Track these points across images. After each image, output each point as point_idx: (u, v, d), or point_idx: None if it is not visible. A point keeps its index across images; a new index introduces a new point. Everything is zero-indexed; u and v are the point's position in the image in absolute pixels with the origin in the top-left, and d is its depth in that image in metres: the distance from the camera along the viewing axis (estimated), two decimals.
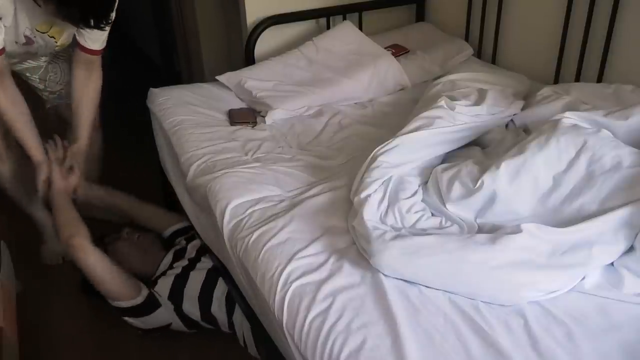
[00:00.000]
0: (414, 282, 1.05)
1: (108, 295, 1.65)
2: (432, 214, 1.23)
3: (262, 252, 1.18)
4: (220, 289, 1.65)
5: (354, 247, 1.16)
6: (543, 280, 1.01)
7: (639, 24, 1.58)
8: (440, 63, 2.05)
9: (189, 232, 1.89)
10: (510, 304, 1.00)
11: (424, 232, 1.14)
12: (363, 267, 1.09)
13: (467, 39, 2.18)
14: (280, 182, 1.42)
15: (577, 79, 1.76)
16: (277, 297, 1.08)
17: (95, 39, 1.75)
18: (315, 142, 1.66)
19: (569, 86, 1.59)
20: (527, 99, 1.62)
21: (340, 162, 1.52)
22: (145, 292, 1.65)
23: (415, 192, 1.26)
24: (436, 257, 1.04)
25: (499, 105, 1.53)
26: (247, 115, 1.81)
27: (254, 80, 1.93)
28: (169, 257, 1.79)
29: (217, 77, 2.02)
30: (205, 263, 1.72)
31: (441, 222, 1.20)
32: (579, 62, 1.74)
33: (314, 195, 1.35)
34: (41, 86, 1.97)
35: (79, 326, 1.84)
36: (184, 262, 1.74)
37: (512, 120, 1.54)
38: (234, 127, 1.74)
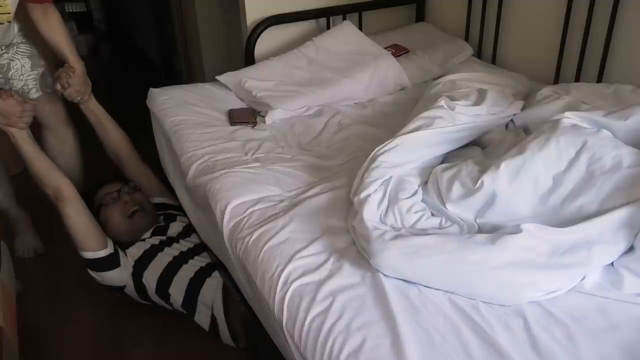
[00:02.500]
0: (414, 282, 1.05)
1: (75, 242, 1.75)
2: (432, 214, 1.23)
3: (262, 252, 1.18)
4: (183, 275, 1.70)
5: (354, 247, 1.16)
6: (543, 280, 1.01)
7: (639, 24, 1.58)
8: (440, 63, 2.05)
9: (168, 210, 1.97)
10: (510, 304, 1.00)
11: (423, 232, 1.14)
12: (363, 267, 1.09)
13: (467, 39, 2.18)
14: (280, 182, 1.42)
15: (577, 79, 1.76)
16: (277, 297, 1.08)
17: None
18: (315, 142, 1.66)
19: (569, 86, 1.59)
20: (527, 99, 1.62)
21: (340, 162, 1.52)
22: (109, 249, 1.73)
23: (415, 192, 1.26)
24: (436, 257, 1.04)
25: (499, 105, 1.53)
26: (247, 115, 1.81)
27: (254, 80, 1.93)
28: (149, 232, 1.87)
29: (217, 77, 2.02)
30: (182, 246, 1.79)
31: (441, 222, 1.20)
32: (579, 62, 1.74)
33: (313, 195, 1.35)
34: (7, 87, 1.98)
35: (79, 326, 1.84)
36: (163, 238, 1.82)
37: (512, 120, 1.54)
38: (234, 127, 1.74)
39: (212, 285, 1.66)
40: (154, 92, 2.00)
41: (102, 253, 1.73)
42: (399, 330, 0.93)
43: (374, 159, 1.32)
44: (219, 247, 1.43)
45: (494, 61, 2.08)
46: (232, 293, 1.49)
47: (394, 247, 1.06)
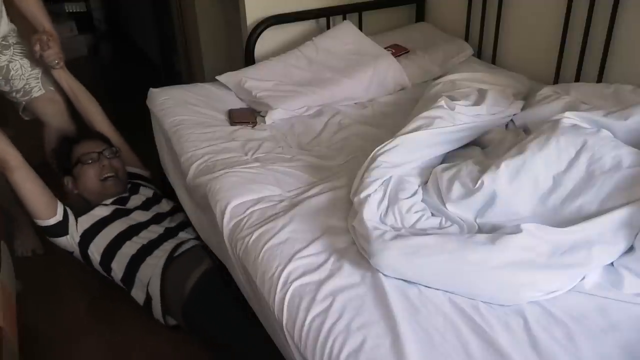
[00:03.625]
0: (414, 282, 1.05)
1: (27, 210, 1.79)
2: (432, 214, 1.23)
3: (262, 252, 1.18)
4: (125, 252, 1.74)
5: (354, 247, 1.16)
6: (543, 280, 1.01)
7: (639, 24, 1.58)
8: (440, 63, 2.05)
9: (137, 180, 2.03)
10: (510, 303, 1.00)
11: (423, 232, 1.14)
12: (363, 267, 1.09)
13: (467, 39, 2.18)
14: (280, 182, 1.42)
15: (577, 79, 1.76)
16: (277, 297, 1.08)
17: None
18: (315, 142, 1.66)
19: (569, 86, 1.59)
20: (527, 99, 1.62)
21: (340, 162, 1.52)
22: (57, 217, 1.77)
23: (415, 192, 1.26)
24: (436, 257, 1.04)
25: (499, 105, 1.53)
26: (247, 115, 1.81)
27: (254, 80, 1.93)
28: (111, 200, 1.90)
29: (217, 77, 2.02)
30: (131, 220, 1.83)
31: (441, 222, 1.20)
32: (579, 62, 1.74)
33: (314, 195, 1.35)
34: (7, 88, 1.99)
35: (78, 326, 1.84)
36: (118, 208, 1.86)
37: (512, 120, 1.54)
38: (234, 127, 1.74)
39: (152, 264, 1.70)
40: (154, 92, 2.00)
41: (51, 221, 1.77)
42: (399, 330, 0.93)
43: (374, 159, 1.32)
44: (219, 247, 1.43)
45: (494, 61, 2.08)
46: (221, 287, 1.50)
47: (394, 247, 1.06)
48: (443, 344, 0.92)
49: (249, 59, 2.14)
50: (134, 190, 1.98)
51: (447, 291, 1.03)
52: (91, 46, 4.62)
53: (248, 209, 1.32)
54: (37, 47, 1.88)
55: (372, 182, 1.25)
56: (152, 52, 4.01)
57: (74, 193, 1.95)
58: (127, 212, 1.86)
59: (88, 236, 1.79)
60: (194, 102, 1.89)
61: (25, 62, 1.96)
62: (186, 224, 1.87)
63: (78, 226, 1.80)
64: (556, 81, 1.83)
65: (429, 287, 1.04)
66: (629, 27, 1.60)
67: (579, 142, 1.19)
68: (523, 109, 1.56)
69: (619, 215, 1.06)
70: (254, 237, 1.23)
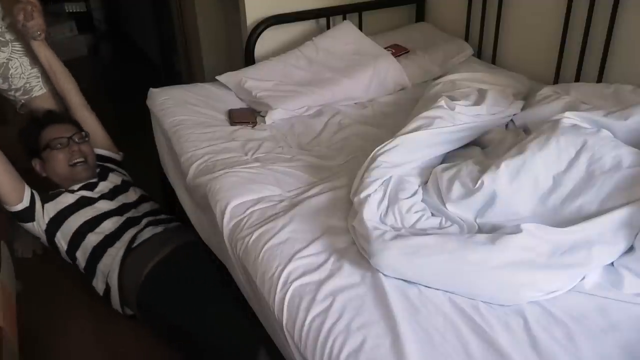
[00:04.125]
0: (414, 282, 1.05)
1: None
2: (432, 214, 1.23)
3: (262, 252, 1.18)
4: (89, 241, 1.77)
5: (354, 247, 1.16)
6: (543, 280, 1.01)
7: (639, 24, 1.58)
8: (440, 63, 2.05)
9: (107, 162, 2.04)
10: (510, 303, 1.00)
11: (423, 232, 1.14)
12: (363, 267, 1.09)
13: (467, 39, 2.18)
14: (280, 182, 1.42)
15: (577, 79, 1.76)
16: (277, 297, 1.08)
17: None
18: (315, 142, 1.66)
19: (569, 86, 1.59)
20: (527, 99, 1.62)
21: (340, 162, 1.52)
22: (24, 204, 1.79)
23: (415, 192, 1.26)
24: (436, 257, 1.04)
25: (499, 105, 1.53)
26: (247, 115, 1.81)
27: (254, 80, 1.93)
28: (79, 185, 1.91)
29: (217, 77, 2.02)
30: (96, 210, 1.84)
31: (441, 222, 1.20)
32: (579, 62, 1.74)
33: (314, 195, 1.35)
34: (5, 86, 1.99)
35: (78, 326, 1.84)
36: (84, 194, 1.87)
37: (512, 120, 1.54)
38: (234, 127, 1.74)
39: (112, 255, 1.74)
40: (154, 92, 2.00)
41: (19, 207, 1.78)
42: (399, 330, 0.93)
43: (374, 159, 1.32)
44: (219, 247, 1.43)
45: (494, 61, 2.08)
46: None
47: (394, 247, 1.06)
48: (443, 344, 0.92)
49: (249, 59, 2.14)
50: (103, 176, 1.98)
51: (447, 291, 1.03)
52: (91, 46, 4.61)
53: (248, 209, 1.32)
54: (21, 17, 1.83)
55: (372, 182, 1.25)
56: (152, 52, 4.00)
57: (42, 175, 1.95)
58: (92, 200, 1.87)
59: (54, 225, 1.81)
60: (194, 102, 1.89)
61: (25, 61, 1.96)
62: (153, 212, 1.92)
63: (44, 213, 1.82)
64: (556, 81, 1.83)
65: (429, 287, 1.04)
66: (629, 27, 1.60)
67: (579, 142, 1.19)
68: (523, 109, 1.56)
69: (619, 215, 1.06)
70: (254, 237, 1.23)
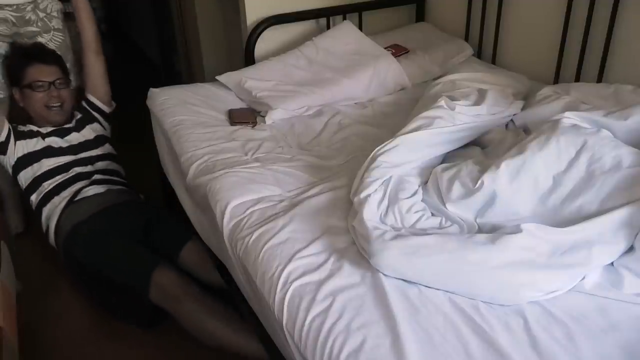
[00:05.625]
0: (414, 282, 1.05)
1: None
2: (432, 214, 1.23)
3: (262, 252, 1.18)
4: (44, 187, 1.95)
5: (354, 247, 1.16)
6: (543, 280, 1.01)
7: (639, 24, 1.58)
8: (440, 63, 2.05)
9: (90, 111, 2.14)
10: (510, 303, 1.00)
11: (423, 232, 1.14)
12: (363, 267, 1.09)
13: (467, 39, 2.18)
14: (280, 182, 1.42)
15: (577, 79, 1.76)
16: (277, 297, 1.08)
17: None
18: (315, 142, 1.66)
19: (569, 86, 1.59)
20: (527, 99, 1.62)
21: (340, 162, 1.52)
22: (1, 138, 1.94)
23: (415, 192, 1.26)
24: (436, 257, 1.04)
25: (499, 105, 1.53)
26: (247, 115, 1.81)
27: (254, 80, 1.93)
28: (49, 129, 2.04)
29: (217, 77, 2.02)
30: (59, 160, 1.98)
31: (441, 222, 1.20)
32: (579, 62, 1.74)
33: (314, 195, 1.34)
34: None
35: (78, 326, 1.84)
36: (54, 142, 2.01)
37: (512, 120, 1.54)
38: (234, 127, 1.74)
39: (55, 203, 1.93)
40: (154, 92, 2.00)
41: None
42: (399, 330, 0.93)
43: (374, 159, 1.32)
44: (219, 247, 1.43)
45: (494, 61, 2.08)
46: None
47: (394, 247, 1.06)
48: (443, 344, 0.92)
49: (249, 59, 2.14)
50: (79, 126, 2.08)
51: (447, 291, 1.03)
52: None
53: (248, 209, 1.32)
54: None
55: (372, 182, 1.25)
56: (152, 52, 4.01)
57: (20, 105, 2.05)
58: (57, 152, 2.00)
59: (20, 164, 1.97)
60: (194, 102, 1.89)
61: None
62: (106, 172, 2.04)
63: (15, 150, 1.96)
64: (556, 81, 1.83)
65: (429, 287, 1.04)
66: (629, 27, 1.60)
67: (579, 142, 1.19)
68: (523, 109, 1.56)
69: (619, 215, 1.06)
70: (254, 237, 1.23)
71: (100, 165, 2.06)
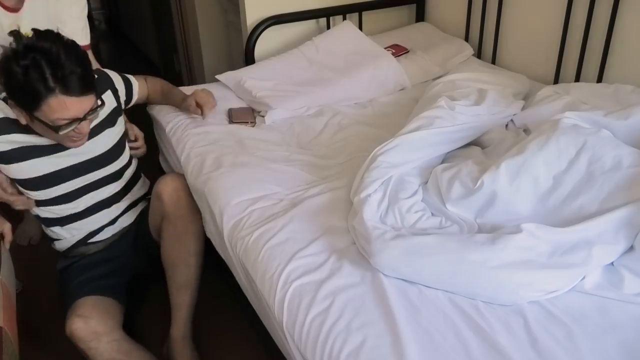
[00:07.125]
0: (414, 282, 1.05)
1: None
2: (432, 214, 1.23)
3: (262, 251, 1.18)
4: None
5: (354, 247, 1.16)
6: (543, 280, 1.01)
7: (639, 24, 1.58)
8: (440, 63, 2.05)
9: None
10: (510, 303, 1.00)
11: (424, 232, 1.14)
12: (363, 267, 1.09)
13: (467, 39, 2.18)
14: (280, 182, 1.42)
15: (577, 79, 1.76)
16: (277, 297, 1.08)
17: (73, 33, 1.67)
18: (315, 142, 1.66)
19: (569, 86, 1.59)
20: (527, 99, 1.62)
21: (340, 162, 1.52)
22: None
23: (415, 192, 1.26)
24: (436, 257, 1.04)
25: (499, 105, 1.53)
26: (246, 114, 1.81)
27: (254, 79, 1.93)
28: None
29: (217, 77, 2.02)
30: (71, 186, 1.59)
31: (441, 222, 1.20)
32: (579, 62, 1.74)
33: (314, 195, 1.35)
34: None
35: None
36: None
37: (512, 120, 1.54)
38: (233, 127, 1.74)
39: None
40: None
41: None
42: (399, 330, 0.93)
43: (374, 159, 1.32)
44: (220, 247, 1.43)
45: (494, 61, 2.08)
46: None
47: (394, 247, 1.06)
48: (443, 344, 0.92)
49: (249, 59, 2.14)
50: (98, 130, 1.57)
51: (447, 291, 1.03)
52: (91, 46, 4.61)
53: (248, 208, 1.32)
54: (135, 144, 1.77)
55: (372, 182, 1.25)
56: (152, 52, 4.01)
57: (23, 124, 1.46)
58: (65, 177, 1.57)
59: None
60: None
61: None
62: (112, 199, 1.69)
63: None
64: (556, 81, 1.83)
65: (429, 287, 1.04)
66: (629, 27, 1.60)
67: (579, 142, 1.19)
68: (523, 109, 1.56)
69: (619, 215, 1.06)
70: (254, 236, 1.23)
71: (110, 188, 1.73)
